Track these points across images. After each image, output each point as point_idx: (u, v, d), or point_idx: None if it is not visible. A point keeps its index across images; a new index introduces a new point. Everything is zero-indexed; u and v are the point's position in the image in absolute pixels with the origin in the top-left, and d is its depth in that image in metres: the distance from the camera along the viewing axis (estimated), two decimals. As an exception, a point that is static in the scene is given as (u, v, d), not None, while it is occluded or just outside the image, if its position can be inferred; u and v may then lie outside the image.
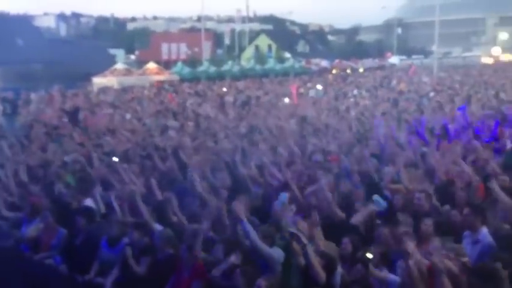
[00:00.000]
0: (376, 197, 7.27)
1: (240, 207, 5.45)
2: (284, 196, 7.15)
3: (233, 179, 8.53)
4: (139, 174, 8.70)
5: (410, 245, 5.51)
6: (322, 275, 5.03)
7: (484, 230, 6.01)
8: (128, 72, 37.01)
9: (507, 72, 39.55)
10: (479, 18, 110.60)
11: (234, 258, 5.54)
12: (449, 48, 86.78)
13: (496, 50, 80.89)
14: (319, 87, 29.01)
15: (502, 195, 6.64)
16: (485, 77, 34.83)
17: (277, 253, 5.36)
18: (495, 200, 6.72)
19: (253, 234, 5.28)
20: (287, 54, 61.10)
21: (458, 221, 6.51)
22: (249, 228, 5.29)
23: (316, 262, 5.06)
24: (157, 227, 6.45)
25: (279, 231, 5.75)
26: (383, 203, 7.22)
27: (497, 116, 13.62)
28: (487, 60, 69.31)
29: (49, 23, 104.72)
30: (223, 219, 6.51)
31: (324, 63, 56.34)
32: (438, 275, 4.76)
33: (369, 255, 5.17)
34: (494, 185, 6.72)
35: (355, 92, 26.25)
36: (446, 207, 7.11)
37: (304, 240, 5.09)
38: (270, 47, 67.49)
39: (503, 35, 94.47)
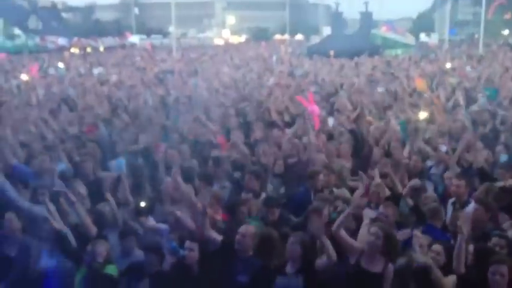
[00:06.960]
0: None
1: None
2: None
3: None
4: None
5: None
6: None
7: None
8: None
9: (239, 52, 43.33)
10: (209, 2, 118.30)
11: None
12: (185, 30, 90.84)
13: (226, 33, 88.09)
14: (61, 65, 27.36)
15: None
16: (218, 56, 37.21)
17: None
18: None
19: None
20: (17, 31, 55.66)
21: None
22: None
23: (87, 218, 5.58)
24: None
25: None
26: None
27: None
28: (218, 41, 74.81)
29: None
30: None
31: (62, 40, 53.07)
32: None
33: (143, 204, 5.57)
34: None
35: (101, 69, 25.63)
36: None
37: (73, 198, 5.56)
38: (-5, 21, 60.33)
39: (230, 19, 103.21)
